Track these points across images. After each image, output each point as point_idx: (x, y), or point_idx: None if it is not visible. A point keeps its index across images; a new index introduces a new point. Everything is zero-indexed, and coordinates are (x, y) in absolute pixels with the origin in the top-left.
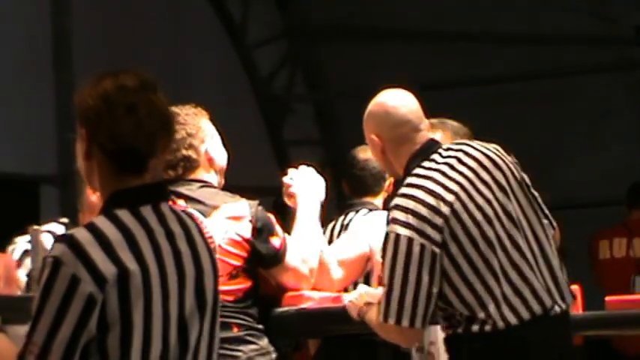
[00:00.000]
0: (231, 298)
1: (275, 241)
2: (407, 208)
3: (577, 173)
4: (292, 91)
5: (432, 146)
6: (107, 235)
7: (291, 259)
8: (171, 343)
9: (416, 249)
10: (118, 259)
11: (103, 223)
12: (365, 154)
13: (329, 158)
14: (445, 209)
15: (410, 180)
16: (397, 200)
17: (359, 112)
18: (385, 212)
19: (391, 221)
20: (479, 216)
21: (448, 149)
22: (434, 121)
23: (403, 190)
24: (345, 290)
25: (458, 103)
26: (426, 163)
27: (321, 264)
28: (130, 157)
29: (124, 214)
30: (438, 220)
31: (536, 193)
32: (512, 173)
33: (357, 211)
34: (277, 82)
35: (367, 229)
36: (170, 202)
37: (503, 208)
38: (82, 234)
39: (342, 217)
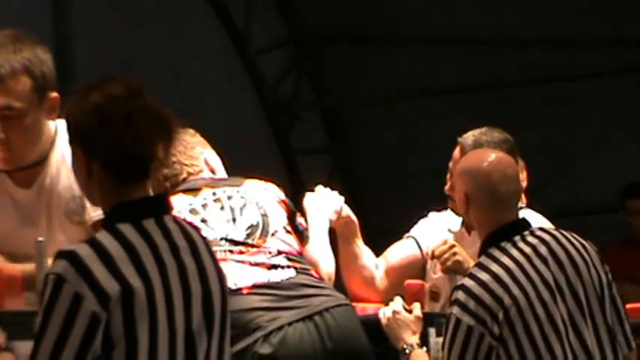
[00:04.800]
0: (294, 252)
1: (302, 220)
2: (470, 291)
3: (589, 178)
4: (299, 98)
5: (516, 228)
6: (109, 251)
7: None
8: None
9: (474, 338)
10: (121, 276)
11: (105, 239)
12: None
13: (338, 166)
14: (508, 303)
15: (482, 260)
16: (465, 280)
17: (367, 118)
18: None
19: (454, 302)
20: (543, 317)
21: (532, 234)
22: (478, 134)
23: (473, 270)
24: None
25: (467, 107)
26: (504, 244)
27: (362, 277)
28: (132, 166)
29: (126, 229)
30: (500, 314)
31: (620, 306)
32: (592, 281)
33: None
34: (283, 90)
35: (418, 233)
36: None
37: (570, 315)
38: (83, 250)
39: None
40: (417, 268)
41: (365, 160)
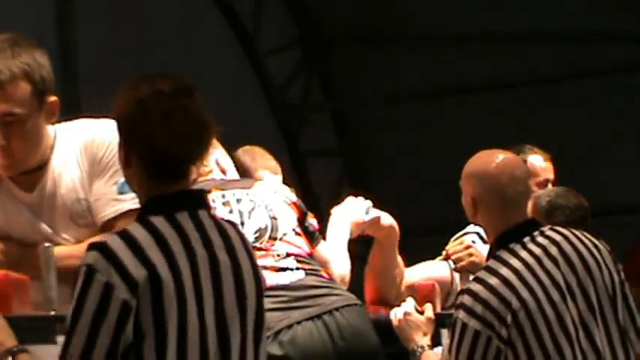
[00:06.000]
0: (304, 253)
1: (313, 221)
2: (477, 295)
3: (606, 178)
4: (308, 99)
5: (525, 229)
6: (138, 240)
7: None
8: (210, 352)
9: (481, 342)
10: (148, 262)
11: (136, 229)
12: None
13: (347, 168)
14: (517, 306)
15: (490, 263)
16: (471, 284)
17: (378, 119)
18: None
19: (460, 306)
20: (552, 319)
21: (542, 235)
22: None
23: (481, 274)
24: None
25: (481, 107)
26: (513, 246)
27: (386, 286)
28: (166, 163)
29: (157, 220)
30: (508, 317)
31: (632, 304)
32: (603, 280)
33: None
34: (292, 92)
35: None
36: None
37: (581, 316)
38: (113, 240)
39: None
40: (443, 291)
41: (375, 162)
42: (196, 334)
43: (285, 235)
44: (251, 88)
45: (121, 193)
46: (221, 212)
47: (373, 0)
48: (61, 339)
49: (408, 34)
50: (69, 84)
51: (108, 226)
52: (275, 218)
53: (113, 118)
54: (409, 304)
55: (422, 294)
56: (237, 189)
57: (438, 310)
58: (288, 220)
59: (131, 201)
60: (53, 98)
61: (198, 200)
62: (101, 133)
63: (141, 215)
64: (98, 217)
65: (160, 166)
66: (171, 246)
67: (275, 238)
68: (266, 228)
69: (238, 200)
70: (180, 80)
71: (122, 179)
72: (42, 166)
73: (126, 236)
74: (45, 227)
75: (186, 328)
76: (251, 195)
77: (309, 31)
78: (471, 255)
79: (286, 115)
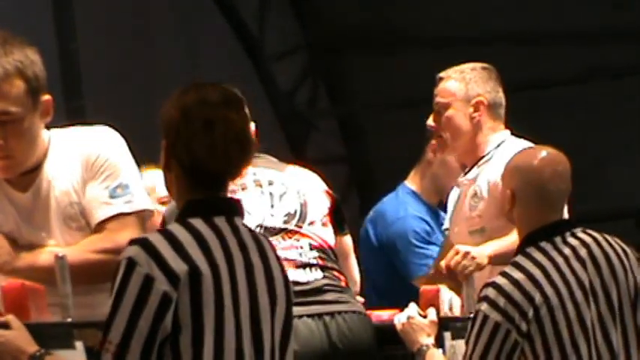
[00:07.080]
0: (326, 245)
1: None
2: (502, 289)
3: (629, 180)
4: (315, 106)
5: (556, 228)
6: (178, 237)
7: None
8: (245, 351)
9: (500, 334)
10: (189, 258)
11: (175, 228)
12: None
13: (355, 175)
14: (539, 301)
15: (518, 259)
16: (497, 278)
17: (386, 125)
18: None
19: (483, 299)
20: (573, 318)
21: (574, 236)
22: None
23: (507, 268)
24: None
25: None
26: (543, 245)
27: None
28: (205, 174)
29: (197, 222)
30: (530, 311)
31: None
32: (627, 285)
33: None
34: (298, 98)
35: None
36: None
37: (600, 317)
38: (154, 236)
39: None
40: None
41: (384, 170)
42: (232, 331)
43: (312, 223)
44: (256, 95)
45: (112, 197)
46: (252, 192)
47: (380, 4)
48: (79, 344)
49: (415, 38)
50: (72, 97)
51: (99, 228)
52: (305, 205)
53: (161, 122)
54: (412, 309)
55: (426, 298)
56: (270, 169)
57: (442, 314)
58: (318, 207)
59: (121, 205)
60: (47, 97)
61: (234, 207)
62: (95, 139)
63: (179, 217)
64: (90, 220)
65: (197, 175)
66: (209, 245)
67: (302, 225)
68: (295, 213)
69: (270, 182)
70: (228, 91)
71: (114, 184)
72: (37, 168)
73: (166, 233)
74: (32, 230)
75: (223, 323)
76: (283, 178)
77: (315, 37)
78: (473, 258)
79: (292, 122)
